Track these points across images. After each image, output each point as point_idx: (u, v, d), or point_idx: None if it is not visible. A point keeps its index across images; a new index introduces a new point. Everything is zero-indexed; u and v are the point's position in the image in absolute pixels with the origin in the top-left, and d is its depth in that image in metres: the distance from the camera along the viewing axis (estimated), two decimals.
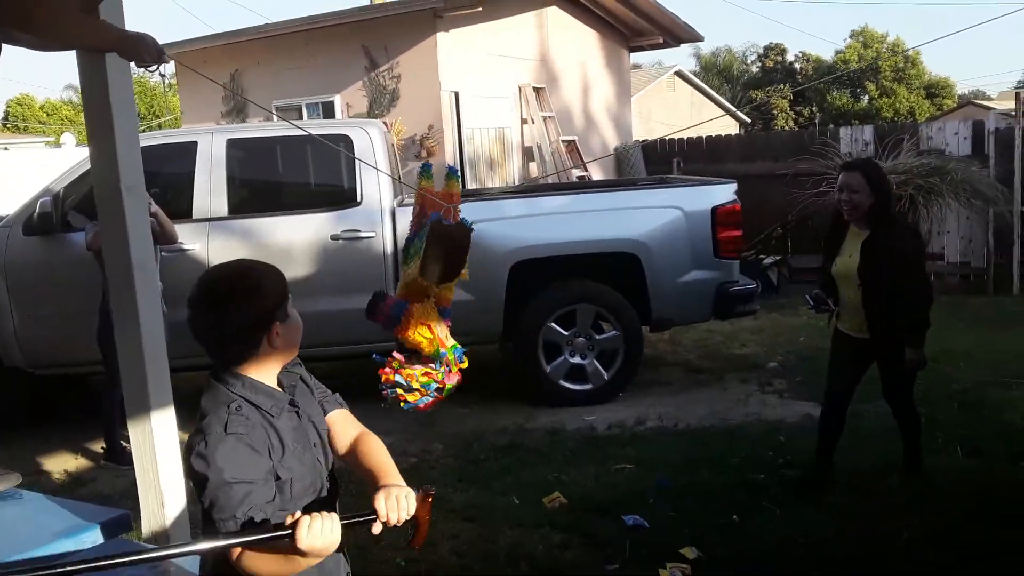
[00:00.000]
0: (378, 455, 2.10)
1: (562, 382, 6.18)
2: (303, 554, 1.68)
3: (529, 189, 8.47)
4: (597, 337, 6.18)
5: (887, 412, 4.85)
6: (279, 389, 1.98)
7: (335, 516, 1.73)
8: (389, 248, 6.03)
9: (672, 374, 6.94)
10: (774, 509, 4.11)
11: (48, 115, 42.77)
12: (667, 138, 12.31)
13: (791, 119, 38.94)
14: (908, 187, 8.59)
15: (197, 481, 1.77)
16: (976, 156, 9.48)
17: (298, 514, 1.71)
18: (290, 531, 1.69)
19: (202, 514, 1.79)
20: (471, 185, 10.31)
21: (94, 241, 5.00)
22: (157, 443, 3.32)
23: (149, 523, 3.38)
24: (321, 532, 1.67)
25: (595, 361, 6.19)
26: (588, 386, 6.19)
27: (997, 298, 9.44)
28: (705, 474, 4.61)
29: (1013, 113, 9.63)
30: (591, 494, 4.41)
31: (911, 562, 3.48)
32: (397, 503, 1.88)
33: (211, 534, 1.74)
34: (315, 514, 1.68)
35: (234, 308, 1.83)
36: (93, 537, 2.18)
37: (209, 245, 5.88)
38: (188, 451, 1.81)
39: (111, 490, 4.90)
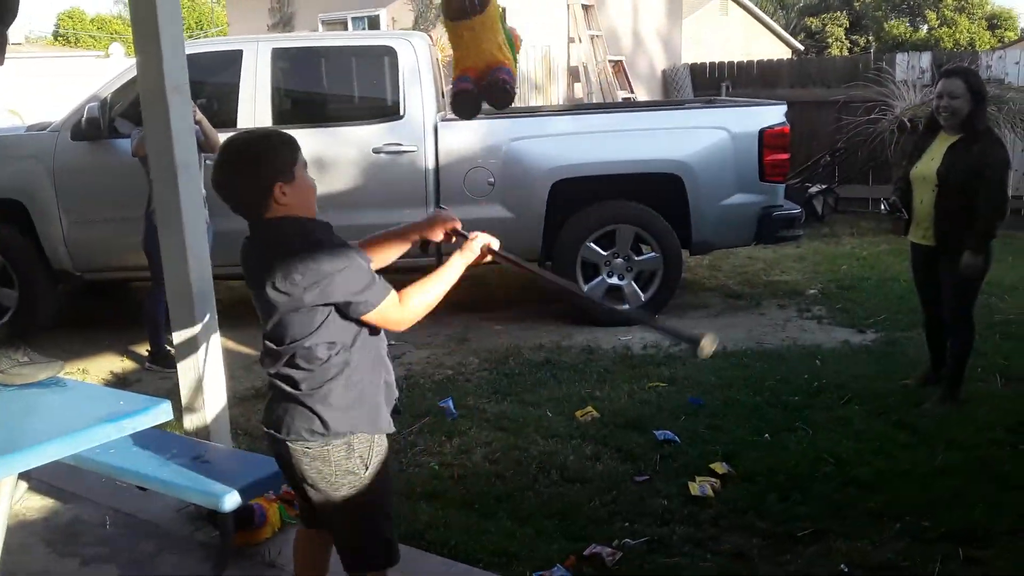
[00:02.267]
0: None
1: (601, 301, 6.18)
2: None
3: (573, 109, 8.36)
4: (636, 258, 6.16)
5: (924, 341, 4.83)
6: None
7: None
8: (431, 163, 6.02)
9: (710, 299, 6.92)
10: (807, 430, 4.13)
11: (99, 28, 42.87)
12: (717, 62, 12.01)
13: (846, 47, 37.63)
14: None
15: (323, 289, 2.06)
16: None
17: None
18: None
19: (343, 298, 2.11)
20: (518, 104, 10.18)
21: (139, 147, 5.06)
22: (200, 345, 3.42)
23: (192, 420, 3.51)
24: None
25: (633, 283, 6.18)
26: (625, 306, 6.20)
27: None
28: (739, 394, 4.63)
29: None
30: (624, 410, 4.46)
31: (944, 489, 3.48)
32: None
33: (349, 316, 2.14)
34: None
35: (238, 171, 2.13)
36: (134, 424, 2.26)
37: None
38: (294, 262, 2.06)
39: (155, 390, 5.05)
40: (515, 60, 4.77)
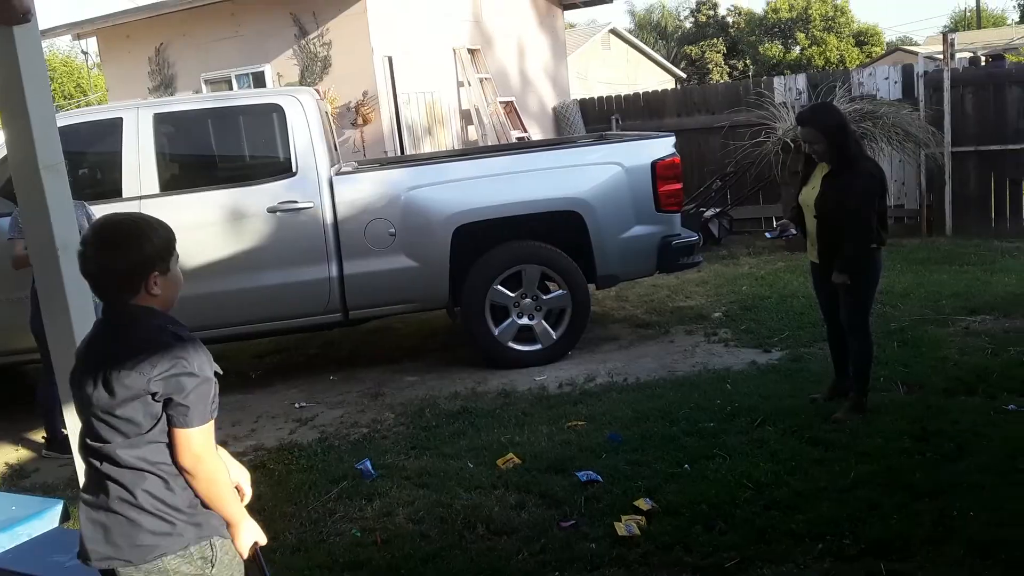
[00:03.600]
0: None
1: (511, 344, 6.17)
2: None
3: (468, 152, 8.40)
4: (544, 297, 6.18)
5: (827, 355, 4.99)
6: None
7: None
8: (329, 218, 5.93)
9: (619, 330, 6.99)
10: (724, 456, 4.18)
11: None
12: (604, 96, 12.28)
13: (726, 72, 39.16)
14: None
15: (178, 382, 1.97)
16: (906, 99, 9.64)
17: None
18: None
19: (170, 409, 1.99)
20: (409, 150, 10.18)
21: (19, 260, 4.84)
22: None
23: None
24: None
25: (543, 321, 6.20)
26: (537, 346, 6.20)
27: (930, 239, 9.67)
28: (655, 426, 4.66)
29: (941, 56, 9.80)
30: (544, 453, 4.43)
31: (860, 502, 3.55)
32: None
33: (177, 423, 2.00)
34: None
35: (118, 253, 2.03)
36: (28, 530, 2.10)
37: None
38: (138, 363, 1.96)
39: (55, 479, 4.79)
40: None
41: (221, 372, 2.08)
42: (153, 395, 1.95)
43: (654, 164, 6.10)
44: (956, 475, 3.72)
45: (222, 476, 2.05)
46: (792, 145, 8.78)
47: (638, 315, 7.40)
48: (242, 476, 2.28)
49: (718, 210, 10.51)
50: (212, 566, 2.03)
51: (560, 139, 10.70)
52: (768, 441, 4.32)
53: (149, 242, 2.05)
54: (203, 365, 2.01)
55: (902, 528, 3.30)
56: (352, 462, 4.52)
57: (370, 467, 4.39)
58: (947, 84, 9.39)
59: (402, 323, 7.75)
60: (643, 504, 3.72)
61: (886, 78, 10.10)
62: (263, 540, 2.13)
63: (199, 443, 2.00)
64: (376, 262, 5.98)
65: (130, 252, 2.04)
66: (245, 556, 2.09)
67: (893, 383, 5.05)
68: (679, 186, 6.23)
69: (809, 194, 4.56)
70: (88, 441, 2.04)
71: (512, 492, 4.01)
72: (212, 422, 2.04)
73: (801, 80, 10.67)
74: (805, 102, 10.23)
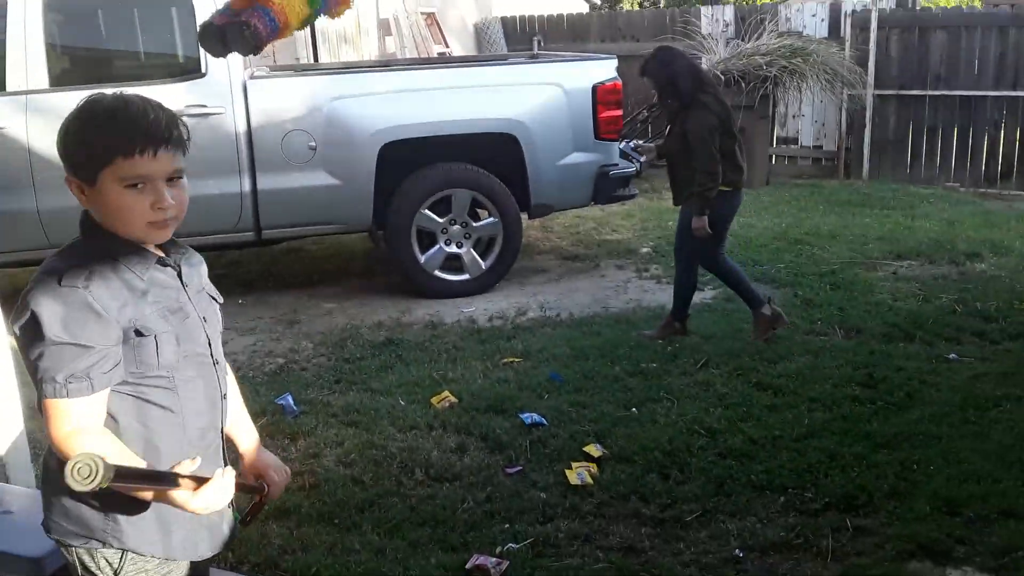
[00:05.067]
0: (244, 415, 1.88)
1: (438, 272, 5.83)
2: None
3: (391, 64, 7.86)
4: (474, 225, 5.84)
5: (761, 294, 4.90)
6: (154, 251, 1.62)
7: (232, 475, 1.52)
8: (242, 127, 5.39)
9: (548, 262, 6.73)
10: (671, 399, 4.00)
11: None
12: (527, 16, 11.80)
13: (637, 3, 38.69)
14: (773, 68, 8.56)
15: (23, 341, 1.46)
16: (832, 38, 9.53)
17: (197, 461, 1.49)
18: (175, 482, 1.45)
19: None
20: (324, 59, 9.51)
21: None
22: None
23: None
24: (212, 498, 1.47)
25: (472, 250, 5.86)
26: (465, 276, 5.88)
27: (847, 181, 9.72)
28: (596, 365, 4.44)
29: None
30: (482, 391, 4.15)
31: (818, 452, 3.43)
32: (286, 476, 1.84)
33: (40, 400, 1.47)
34: (212, 480, 1.47)
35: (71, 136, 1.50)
36: None
37: (28, 122, 5.05)
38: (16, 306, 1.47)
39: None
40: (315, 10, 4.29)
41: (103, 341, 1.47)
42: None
43: (595, 88, 5.76)
44: (910, 425, 3.63)
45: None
46: (722, 77, 8.57)
47: (564, 247, 7.15)
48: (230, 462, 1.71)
49: (640, 142, 10.25)
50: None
51: (496, 56, 10.22)
52: (714, 384, 4.17)
53: (66, 134, 1.50)
54: (62, 323, 1.42)
55: (864, 481, 3.19)
56: (270, 396, 4.14)
57: (292, 402, 4.02)
58: (874, 25, 9.31)
59: (317, 245, 7.28)
60: (593, 450, 3.50)
61: (813, 15, 9.95)
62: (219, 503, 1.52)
63: (50, 420, 1.47)
64: (294, 178, 5.51)
65: (61, 142, 1.52)
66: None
67: (831, 327, 4.97)
68: (619, 113, 5.95)
69: (661, 142, 4.77)
70: None
71: (451, 434, 3.73)
72: (72, 402, 1.45)
73: (729, 12, 10.43)
74: (732, 35, 10.04)
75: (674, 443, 3.54)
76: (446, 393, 4.10)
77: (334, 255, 7.09)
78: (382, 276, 6.24)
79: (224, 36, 4.12)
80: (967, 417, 3.70)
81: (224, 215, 5.48)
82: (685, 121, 4.46)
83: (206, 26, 4.16)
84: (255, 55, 4.38)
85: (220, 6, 4.24)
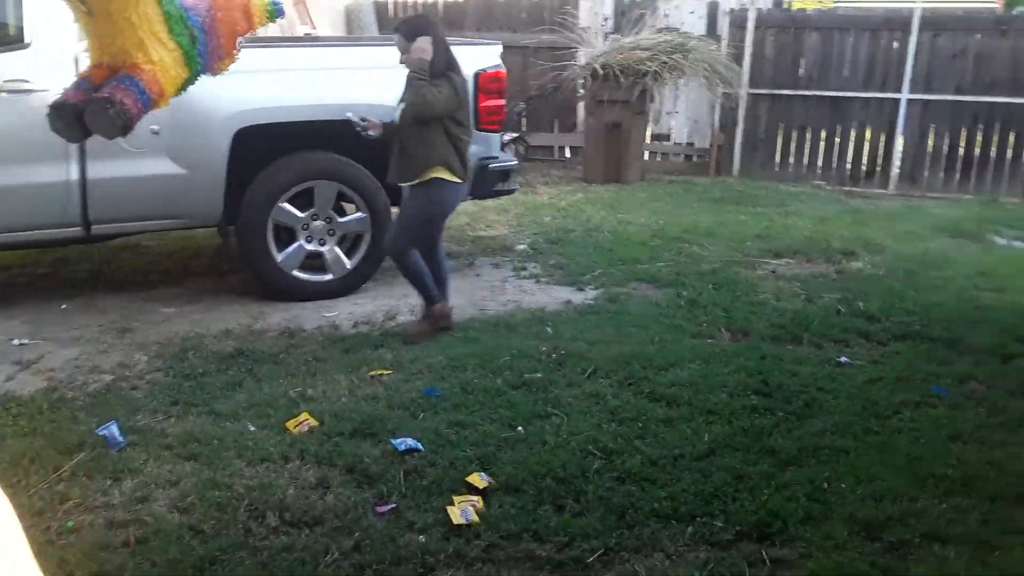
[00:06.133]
0: None
1: (296, 272, 5.25)
2: None
3: (252, 41, 7.15)
4: (339, 220, 5.29)
5: (645, 297, 4.62)
6: None
7: None
8: None
9: None
10: (560, 415, 3.61)
11: None
12: (400, 1, 11.25)
13: None
14: (653, 63, 8.37)
15: None
16: (710, 36, 9.47)
17: None
18: None
19: None
20: None
21: None
22: None
23: None
24: None
25: (336, 248, 5.32)
26: (327, 276, 5.33)
27: (719, 179, 9.69)
28: (475, 376, 4.00)
29: None
30: (346, 412, 3.63)
31: (723, 472, 3.12)
32: None
33: None
34: None
35: None
36: None
37: None
38: None
39: None
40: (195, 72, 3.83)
41: None
42: None
43: (477, 75, 5.31)
44: (814, 438, 3.38)
45: None
46: (601, 72, 8.33)
47: None
48: None
49: (515, 135, 9.93)
50: None
51: (369, 37, 9.61)
52: (604, 395, 3.81)
53: None
54: None
55: (775, 505, 2.89)
56: (92, 424, 3.48)
57: (117, 432, 3.38)
58: (751, 24, 9.31)
59: (156, 240, 6.53)
60: (478, 480, 3.06)
61: (691, 12, 9.88)
62: None
63: None
64: (131, 166, 4.83)
65: None
66: None
67: (716, 329, 4.74)
68: (502, 102, 5.51)
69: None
70: None
71: (310, 466, 3.20)
72: None
73: (608, 5, 10.21)
74: (611, 29, 9.84)
75: (567, 467, 3.15)
76: (304, 415, 3.57)
77: (176, 252, 6.36)
78: (232, 276, 5.60)
79: (81, 116, 3.61)
80: (869, 427, 3.48)
81: (47, 207, 4.77)
82: (421, 87, 4.22)
83: (58, 106, 3.65)
84: (123, 136, 3.85)
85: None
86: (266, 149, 5.03)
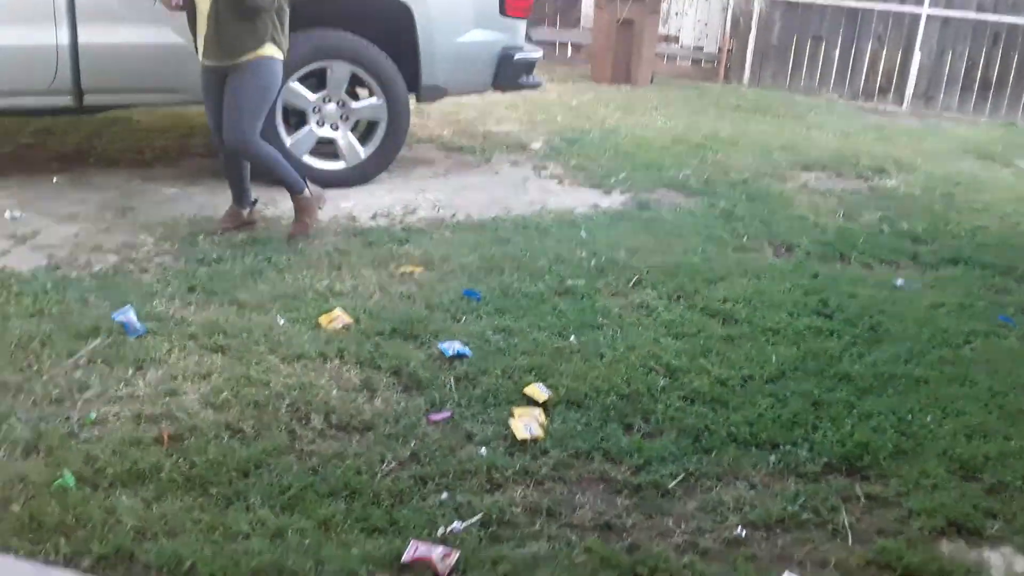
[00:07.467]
0: None
1: (306, 159, 4.86)
2: None
3: None
4: (352, 105, 4.89)
5: (677, 206, 4.36)
6: None
7: None
8: None
9: (430, 153, 5.88)
10: (613, 327, 3.36)
11: None
12: None
13: None
14: None
15: None
16: None
17: None
18: None
19: None
20: None
21: None
22: None
23: None
24: None
25: (349, 134, 4.93)
26: (340, 164, 4.96)
27: (728, 85, 9.32)
28: (515, 280, 3.72)
29: None
30: (382, 311, 3.34)
31: (799, 398, 2.90)
32: None
33: None
34: None
35: None
36: None
37: None
38: None
39: None
40: None
41: None
42: None
43: None
44: (888, 365, 3.17)
45: None
46: None
47: (446, 137, 6.31)
48: None
49: None
50: None
51: None
52: (655, 308, 3.56)
53: None
54: None
55: (863, 437, 2.68)
56: (103, 307, 3.16)
57: (134, 318, 3.07)
58: None
59: (148, 116, 6.06)
60: (537, 392, 2.82)
61: None
62: None
63: None
64: (128, 32, 4.40)
65: None
66: None
67: (760, 244, 4.50)
68: None
69: None
70: None
71: (352, 366, 2.93)
72: None
73: None
74: None
75: (631, 384, 2.92)
76: (337, 311, 3.27)
77: (169, 129, 5.90)
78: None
79: None
80: (943, 356, 3.28)
81: (34, 73, 4.34)
82: None
83: None
84: None
85: None
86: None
